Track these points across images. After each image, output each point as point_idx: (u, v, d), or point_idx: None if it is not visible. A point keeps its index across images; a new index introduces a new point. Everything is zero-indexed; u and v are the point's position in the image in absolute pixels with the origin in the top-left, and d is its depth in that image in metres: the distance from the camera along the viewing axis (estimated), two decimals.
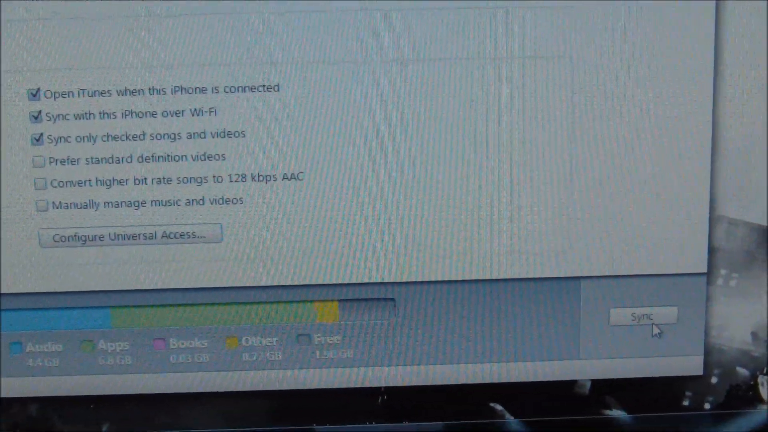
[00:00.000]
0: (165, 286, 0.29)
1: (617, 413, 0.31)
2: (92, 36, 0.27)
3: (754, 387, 0.31)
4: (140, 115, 0.28)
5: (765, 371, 0.30)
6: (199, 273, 0.29)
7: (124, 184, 0.28)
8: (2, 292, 0.29)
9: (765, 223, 0.29)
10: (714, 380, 0.31)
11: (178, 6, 0.27)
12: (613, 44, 0.28)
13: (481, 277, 0.29)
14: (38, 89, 0.28)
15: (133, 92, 0.28)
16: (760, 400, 0.31)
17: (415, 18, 0.28)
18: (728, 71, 0.28)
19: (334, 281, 0.29)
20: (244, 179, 0.28)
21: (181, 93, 0.28)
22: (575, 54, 0.28)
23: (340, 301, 0.29)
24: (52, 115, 0.28)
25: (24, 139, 0.28)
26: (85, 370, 0.30)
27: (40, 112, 0.28)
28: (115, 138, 0.28)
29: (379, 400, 0.31)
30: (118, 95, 0.28)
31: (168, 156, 0.28)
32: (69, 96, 0.28)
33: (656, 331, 0.30)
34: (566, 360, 0.30)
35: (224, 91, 0.28)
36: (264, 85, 0.28)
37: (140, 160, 0.28)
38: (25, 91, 0.28)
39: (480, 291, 0.29)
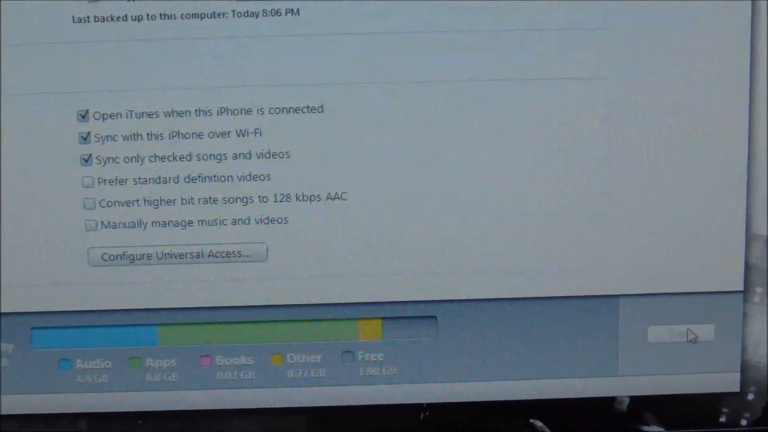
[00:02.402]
0: (211, 305, 0.29)
1: (655, 429, 0.30)
2: (140, 58, 0.27)
3: None
4: (187, 136, 0.28)
5: None
6: (244, 291, 0.28)
7: (172, 204, 0.28)
8: (52, 310, 0.29)
9: None
10: (750, 397, 0.30)
11: (224, 29, 0.27)
12: (648, 64, 0.27)
13: (521, 295, 0.29)
14: (87, 111, 0.27)
15: (180, 113, 0.27)
16: None
17: (455, 40, 0.27)
18: (763, 87, 0.28)
19: (377, 299, 0.29)
20: (288, 199, 0.28)
21: (228, 114, 0.27)
22: (611, 74, 0.27)
23: (383, 318, 0.29)
24: (101, 136, 0.28)
25: (73, 159, 0.28)
26: (132, 386, 0.29)
27: (89, 133, 0.28)
28: (162, 159, 0.28)
29: (421, 417, 0.30)
30: (166, 116, 0.27)
31: (214, 176, 0.28)
32: (117, 117, 0.27)
33: (693, 348, 0.29)
34: (605, 377, 0.29)
35: (269, 112, 0.27)
36: (308, 106, 0.28)
37: (187, 180, 0.28)
38: (74, 113, 0.27)
39: (520, 309, 0.29)
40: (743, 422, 0.30)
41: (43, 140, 0.28)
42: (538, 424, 0.30)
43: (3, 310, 0.29)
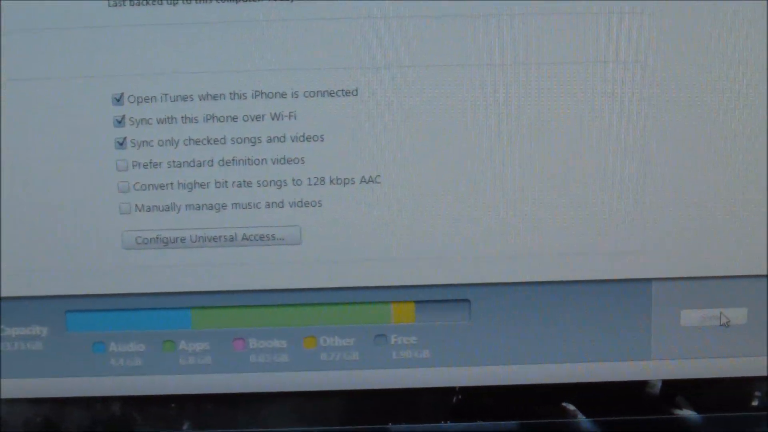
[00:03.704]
0: (245, 288, 0.28)
1: (687, 413, 0.30)
2: (175, 41, 0.27)
3: None
4: (221, 119, 0.27)
5: None
6: (278, 274, 0.28)
7: (206, 187, 0.28)
8: (86, 293, 0.28)
9: None
10: None
11: (258, 11, 0.27)
12: (684, 48, 0.27)
13: (554, 279, 0.28)
14: (122, 94, 0.27)
15: (214, 97, 0.27)
16: None
17: (489, 23, 0.27)
18: None
19: (410, 283, 0.28)
20: (322, 182, 0.28)
21: (262, 98, 0.27)
22: (646, 58, 0.27)
23: (416, 302, 0.29)
24: (136, 120, 0.27)
25: (108, 143, 0.27)
26: (166, 369, 0.29)
27: (123, 116, 0.27)
28: (196, 142, 0.27)
29: (454, 400, 0.30)
30: (200, 100, 0.27)
31: (248, 160, 0.28)
32: (152, 101, 0.27)
33: (726, 331, 0.29)
34: (637, 360, 0.29)
35: (304, 95, 0.27)
36: (343, 90, 0.27)
37: (221, 163, 0.28)
38: (109, 97, 0.27)
39: (553, 292, 0.28)
40: None
41: (77, 124, 0.27)
42: (571, 407, 0.30)
43: (38, 294, 0.28)
